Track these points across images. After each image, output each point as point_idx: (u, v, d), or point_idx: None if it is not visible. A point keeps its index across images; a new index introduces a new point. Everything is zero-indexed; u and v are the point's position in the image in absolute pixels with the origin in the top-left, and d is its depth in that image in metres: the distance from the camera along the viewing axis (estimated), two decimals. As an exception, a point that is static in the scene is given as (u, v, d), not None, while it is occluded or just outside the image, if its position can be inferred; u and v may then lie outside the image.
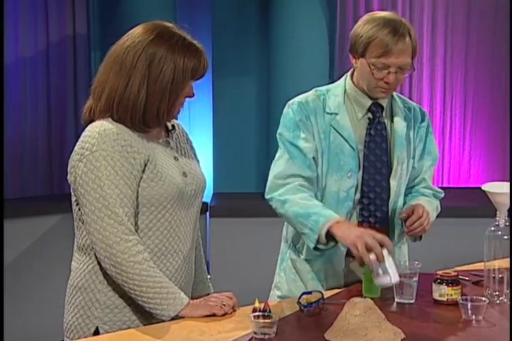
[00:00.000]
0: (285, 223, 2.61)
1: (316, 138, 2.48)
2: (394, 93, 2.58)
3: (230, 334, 1.95)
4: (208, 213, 4.72)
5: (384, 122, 2.52)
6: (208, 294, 2.29)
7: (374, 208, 2.49)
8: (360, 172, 2.48)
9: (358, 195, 2.49)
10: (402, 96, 2.66)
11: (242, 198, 4.84)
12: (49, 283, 4.45)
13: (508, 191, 2.28)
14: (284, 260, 2.62)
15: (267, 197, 2.48)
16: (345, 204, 2.47)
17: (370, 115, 2.51)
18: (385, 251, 2.16)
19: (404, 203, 2.58)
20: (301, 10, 4.91)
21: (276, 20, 5.00)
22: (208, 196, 5.03)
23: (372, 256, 2.15)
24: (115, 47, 2.09)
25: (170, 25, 2.11)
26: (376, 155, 2.49)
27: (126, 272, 1.99)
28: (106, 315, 2.07)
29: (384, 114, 2.53)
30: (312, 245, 2.34)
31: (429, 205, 2.54)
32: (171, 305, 2.02)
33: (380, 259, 2.15)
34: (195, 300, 2.09)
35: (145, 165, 2.05)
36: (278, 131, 2.53)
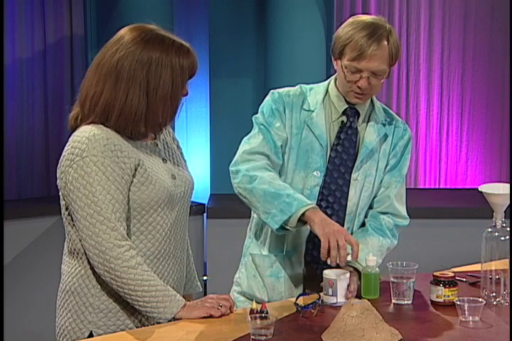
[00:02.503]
0: (252, 217, 2.59)
1: (288, 132, 2.47)
2: (378, 105, 2.55)
3: (227, 336, 1.94)
4: (205, 214, 4.72)
5: (357, 128, 2.49)
6: (205, 294, 2.28)
7: (331, 212, 2.45)
8: (323, 174, 2.46)
9: (321, 196, 2.47)
10: (389, 110, 2.59)
11: (239, 199, 4.83)
12: (47, 284, 4.43)
13: (505, 192, 2.29)
14: (245, 255, 2.60)
15: (231, 168, 2.44)
16: None
17: (344, 119, 2.48)
18: (348, 257, 2.20)
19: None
20: (298, 11, 4.90)
21: (273, 21, 5.00)
22: (205, 197, 5.03)
23: (334, 253, 2.17)
24: (104, 58, 2.04)
25: (155, 27, 2.09)
26: (342, 159, 2.46)
27: (121, 277, 1.99)
28: (100, 319, 2.07)
29: (360, 121, 2.50)
30: (276, 226, 2.30)
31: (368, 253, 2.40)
32: (167, 307, 2.02)
33: (341, 262, 2.18)
34: (191, 302, 2.08)
35: (135, 170, 2.04)
36: (255, 115, 2.52)
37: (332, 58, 2.45)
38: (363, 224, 2.53)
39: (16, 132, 4.74)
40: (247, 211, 2.54)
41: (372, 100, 2.53)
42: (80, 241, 2.03)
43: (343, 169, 2.46)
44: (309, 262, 2.49)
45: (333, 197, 2.46)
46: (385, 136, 2.51)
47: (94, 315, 2.07)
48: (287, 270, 2.50)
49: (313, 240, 2.45)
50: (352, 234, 2.47)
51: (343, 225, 2.46)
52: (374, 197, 2.54)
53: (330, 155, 2.45)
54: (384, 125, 2.52)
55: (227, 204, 4.75)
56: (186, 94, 2.12)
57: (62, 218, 2.11)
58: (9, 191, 4.66)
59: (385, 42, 2.35)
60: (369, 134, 2.49)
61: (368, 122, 2.51)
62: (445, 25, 5.52)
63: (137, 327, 2.08)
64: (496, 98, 5.58)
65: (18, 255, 4.37)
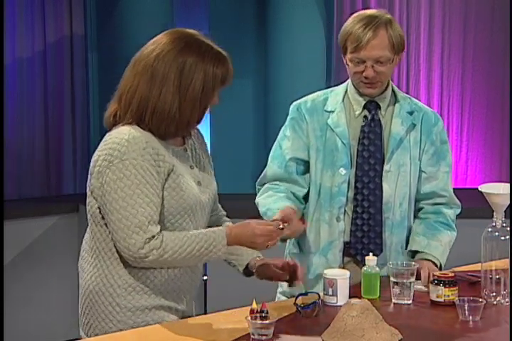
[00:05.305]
0: None
1: (311, 136, 2.54)
2: (402, 95, 2.61)
3: (227, 336, 1.94)
4: (205, 214, 4.71)
5: (380, 120, 2.54)
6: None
7: (368, 204, 2.51)
8: (354, 168, 2.51)
9: (351, 192, 2.52)
10: (415, 100, 2.64)
11: (239, 199, 4.84)
12: (47, 284, 4.44)
13: (505, 192, 2.28)
14: (286, 256, 2.64)
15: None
16: (337, 199, 2.51)
17: (366, 113, 2.54)
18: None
19: (419, 210, 2.62)
20: (299, 11, 4.90)
21: (273, 22, 5.00)
22: (204, 197, 5.02)
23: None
24: (141, 56, 2.07)
25: (195, 33, 2.13)
26: (370, 151, 2.51)
27: (165, 259, 1.98)
28: (129, 318, 2.07)
29: (383, 113, 2.55)
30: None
31: (444, 251, 2.55)
32: (216, 243, 2.01)
33: None
34: (238, 229, 2.08)
35: (168, 175, 2.04)
36: None
37: (342, 56, 2.52)
38: (415, 216, 2.61)
39: (16, 132, 4.74)
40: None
41: (393, 91, 2.59)
42: (112, 240, 2.03)
43: (373, 161, 2.51)
44: (353, 255, 2.53)
45: (367, 190, 2.51)
46: (413, 125, 2.56)
47: (123, 314, 2.07)
48: (324, 268, 2.49)
49: (355, 234, 2.51)
50: (392, 223, 2.53)
51: (381, 215, 2.52)
52: (426, 188, 2.59)
53: (358, 150, 2.51)
54: (411, 113, 2.57)
55: (226, 204, 4.74)
56: (215, 103, 2.13)
57: (86, 215, 2.10)
58: (9, 191, 4.65)
59: (383, 31, 2.42)
60: (395, 125, 2.54)
61: (392, 113, 2.55)
62: (445, 25, 5.52)
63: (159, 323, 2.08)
64: (496, 98, 5.57)
65: (18, 255, 4.36)
